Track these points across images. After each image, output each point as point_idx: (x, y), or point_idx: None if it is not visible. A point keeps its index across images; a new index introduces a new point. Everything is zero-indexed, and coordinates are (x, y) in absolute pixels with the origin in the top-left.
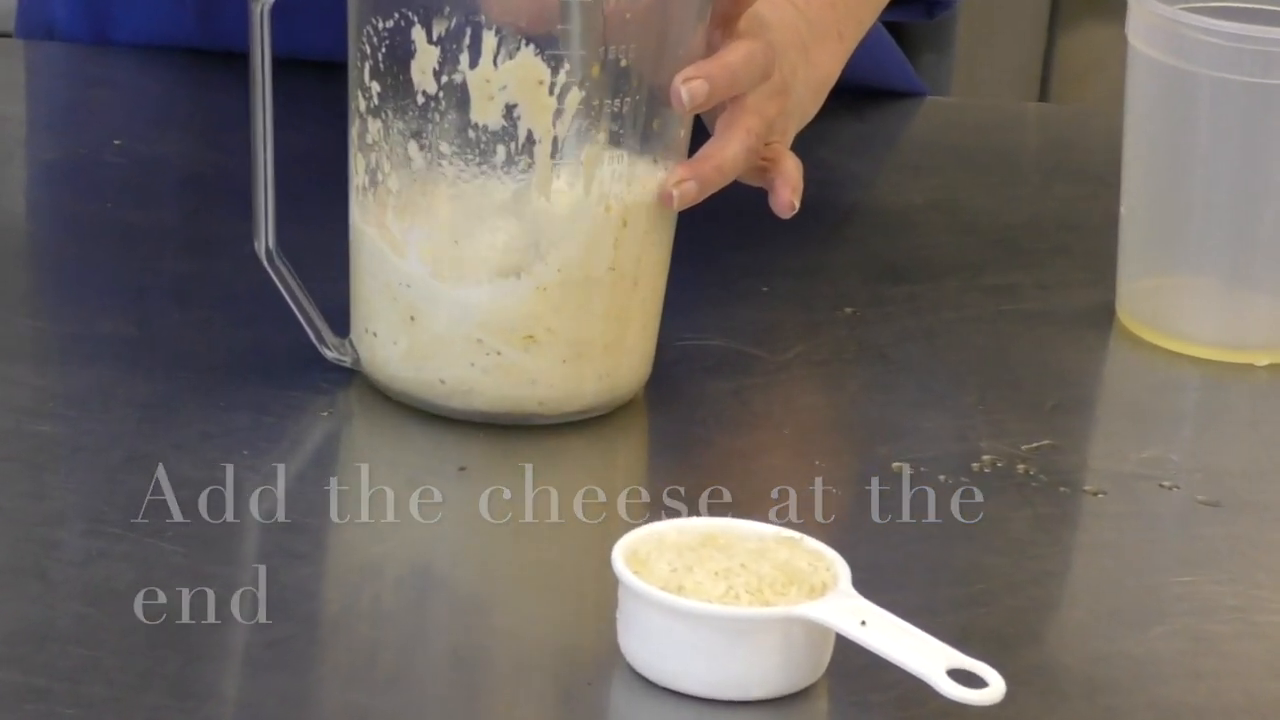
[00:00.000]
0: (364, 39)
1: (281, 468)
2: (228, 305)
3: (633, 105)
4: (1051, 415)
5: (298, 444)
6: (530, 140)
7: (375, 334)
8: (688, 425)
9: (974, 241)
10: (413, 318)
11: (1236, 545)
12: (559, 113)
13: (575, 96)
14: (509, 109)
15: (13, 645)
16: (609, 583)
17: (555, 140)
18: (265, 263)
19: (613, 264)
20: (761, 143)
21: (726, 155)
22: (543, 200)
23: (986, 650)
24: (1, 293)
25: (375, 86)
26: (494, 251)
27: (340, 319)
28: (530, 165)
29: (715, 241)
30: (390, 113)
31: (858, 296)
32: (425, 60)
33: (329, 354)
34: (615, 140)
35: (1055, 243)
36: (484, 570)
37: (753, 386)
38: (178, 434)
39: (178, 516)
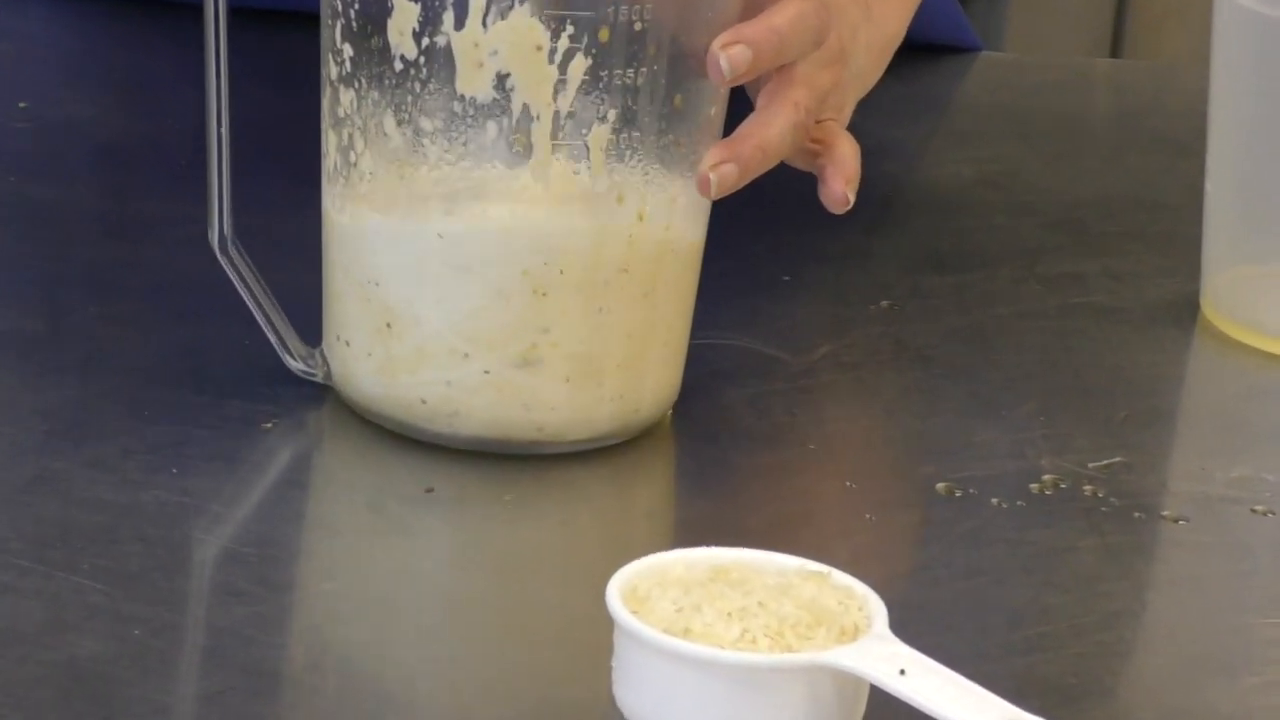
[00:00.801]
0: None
1: (225, 490)
2: (157, 298)
3: (650, 77)
4: (1124, 428)
5: (240, 463)
6: (527, 116)
7: (348, 343)
8: (699, 442)
9: (1032, 223)
10: (389, 325)
11: None
12: (561, 84)
13: (580, 65)
14: (501, 79)
15: None
16: (603, 625)
17: (556, 117)
18: (219, 254)
19: (626, 265)
20: (812, 119)
21: (771, 133)
22: (541, 188)
23: (1047, 704)
24: None
25: (348, 50)
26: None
27: (313, 325)
28: (527, 146)
29: (729, 222)
30: (364, 81)
31: (896, 287)
32: (404, 19)
33: (294, 365)
34: (629, 119)
35: (1128, 225)
36: (459, 615)
37: (773, 394)
38: (95, 449)
39: (95, 547)
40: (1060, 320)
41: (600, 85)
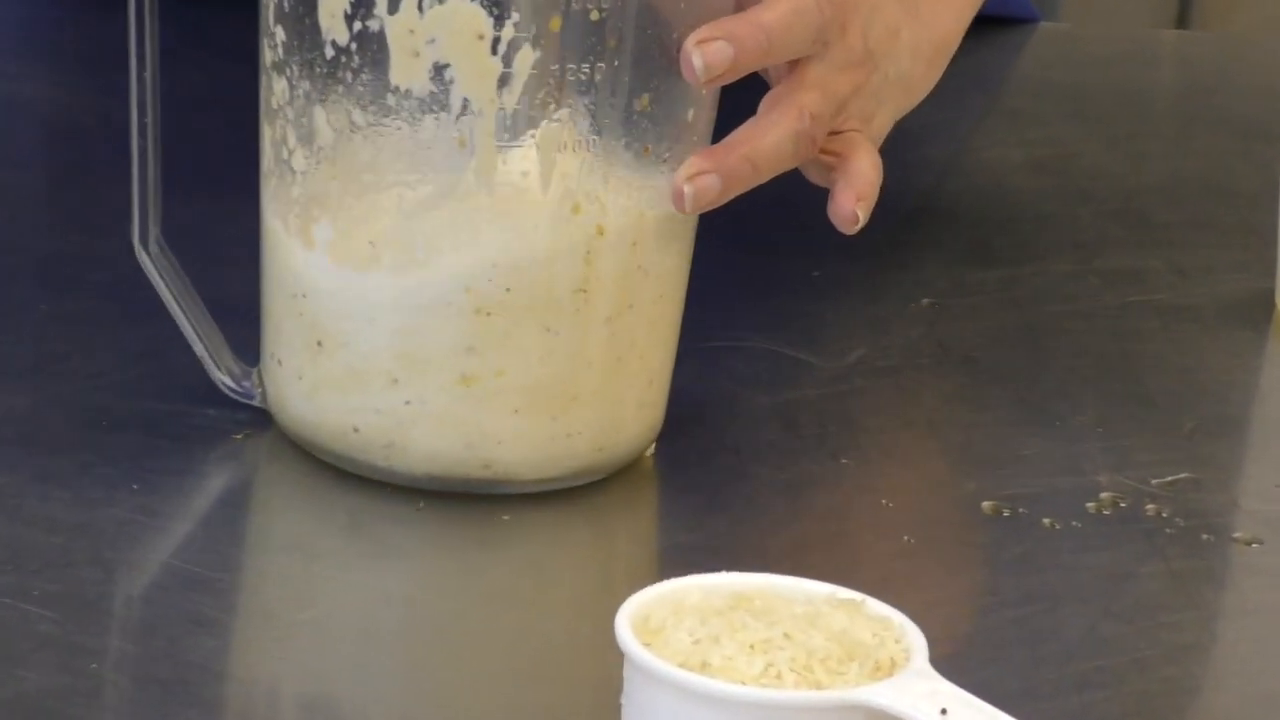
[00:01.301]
0: None
1: (191, 509)
2: (115, 296)
3: (610, 73)
4: (1191, 440)
5: (208, 479)
6: (467, 112)
7: (280, 362)
8: (715, 454)
9: (1089, 212)
10: (319, 343)
11: None
12: (505, 78)
13: (527, 57)
14: (439, 70)
15: None
16: (608, 661)
17: (501, 114)
18: (139, 252)
19: (583, 284)
20: (823, 128)
21: (765, 142)
22: (485, 194)
23: None
24: None
25: (280, 33)
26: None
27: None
28: (469, 146)
29: (752, 212)
30: (296, 69)
31: (938, 283)
32: (335, 1)
33: (224, 383)
34: (586, 119)
35: (1195, 214)
36: (435, 652)
37: (801, 402)
38: (48, 462)
39: (47, 571)
40: (1120, 320)
41: (551, 81)
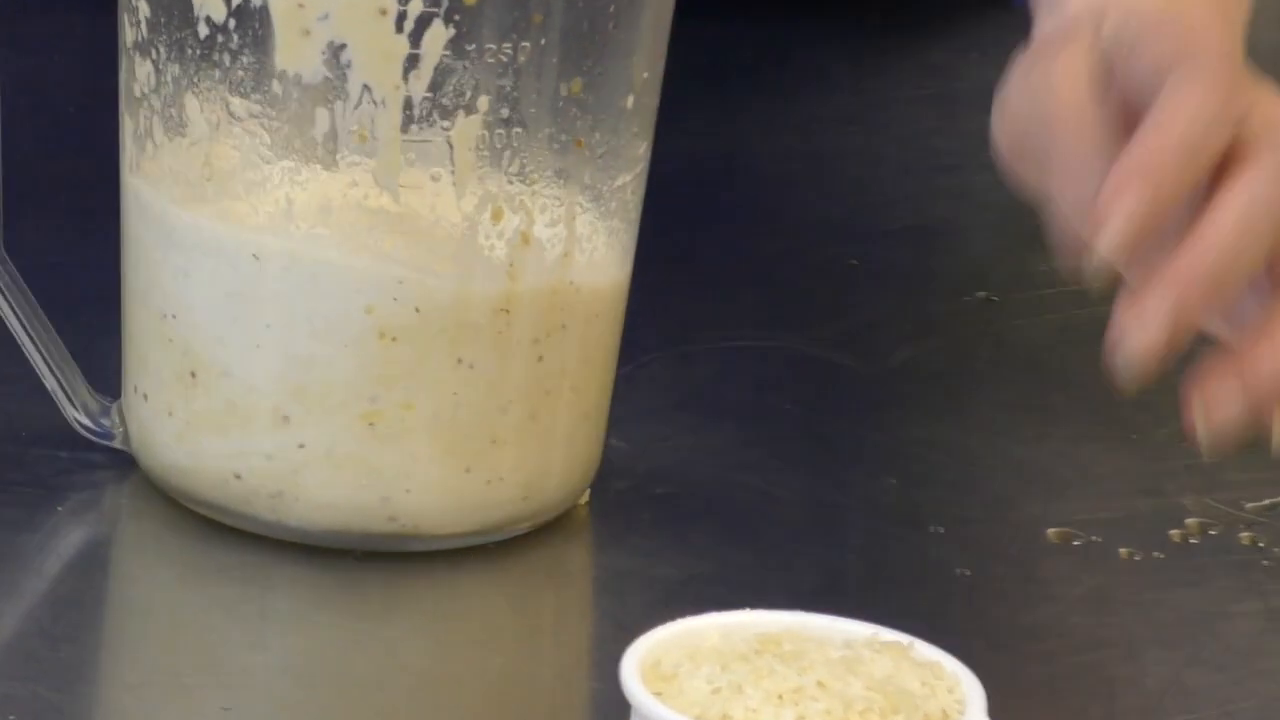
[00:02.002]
0: None
1: (20, 573)
2: (43, 285)
3: (536, 53)
4: None
5: (42, 538)
6: (368, 101)
7: (145, 396)
8: (735, 471)
9: None
10: (193, 373)
11: None
12: (413, 60)
13: (438, 36)
14: (334, 51)
15: None
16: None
17: (408, 103)
18: None
19: (505, 304)
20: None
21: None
22: (389, 198)
23: None
24: None
25: (144, 8)
26: None
27: (116, 375)
28: (370, 141)
29: (776, 188)
30: (163, 50)
31: (994, 274)
32: None
33: (79, 421)
34: (508, 109)
35: None
36: None
37: (836, 410)
38: None
39: None
40: None
41: (467, 63)
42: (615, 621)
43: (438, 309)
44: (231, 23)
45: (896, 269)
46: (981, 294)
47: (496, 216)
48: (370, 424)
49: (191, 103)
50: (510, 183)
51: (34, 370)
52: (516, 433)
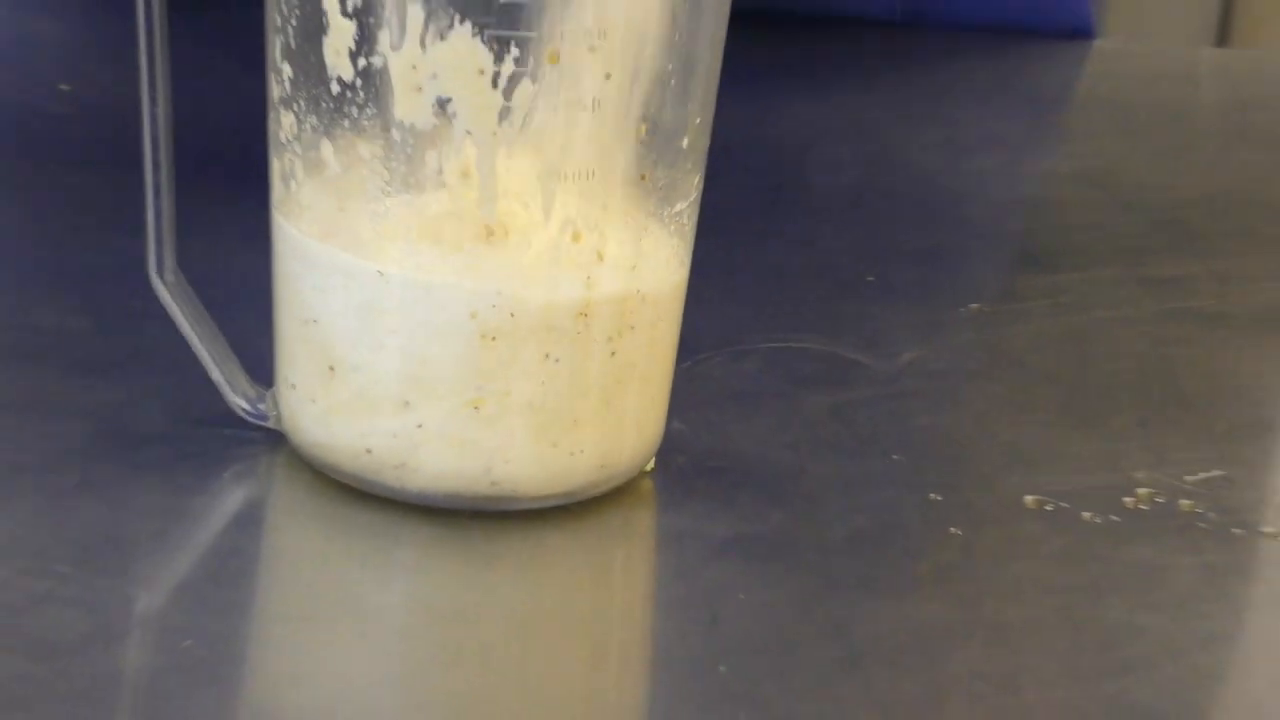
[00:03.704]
0: (274, 8)
1: (196, 525)
2: (208, 292)
3: (607, 106)
4: (1225, 440)
5: (211, 498)
6: (469, 145)
7: (294, 386)
8: (775, 449)
9: (1133, 222)
10: (331, 368)
11: None
12: (505, 111)
13: (526, 91)
14: (441, 104)
15: None
16: (616, 667)
17: (503, 147)
18: (157, 285)
19: (584, 310)
20: None
21: None
22: (487, 224)
23: None
24: None
25: (287, 69)
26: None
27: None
28: (471, 178)
29: (807, 218)
30: (303, 104)
31: (988, 289)
32: (339, 38)
33: (239, 406)
34: (590, 150)
35: (1236, 225)
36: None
37: (855, 401)
38: (142, 454)
39: (139, 554)
40: (1161, 325)
41: (550, 113)
42: (673, 569)
43: (529, 314)
44: (358, 82)
45: (904, 285)
46: (975, 306)
47: (576, 238)
48: (475, 408)
49: (326, 147)
50: (587, 210)
51: (202, 366)
52: (594, 415)
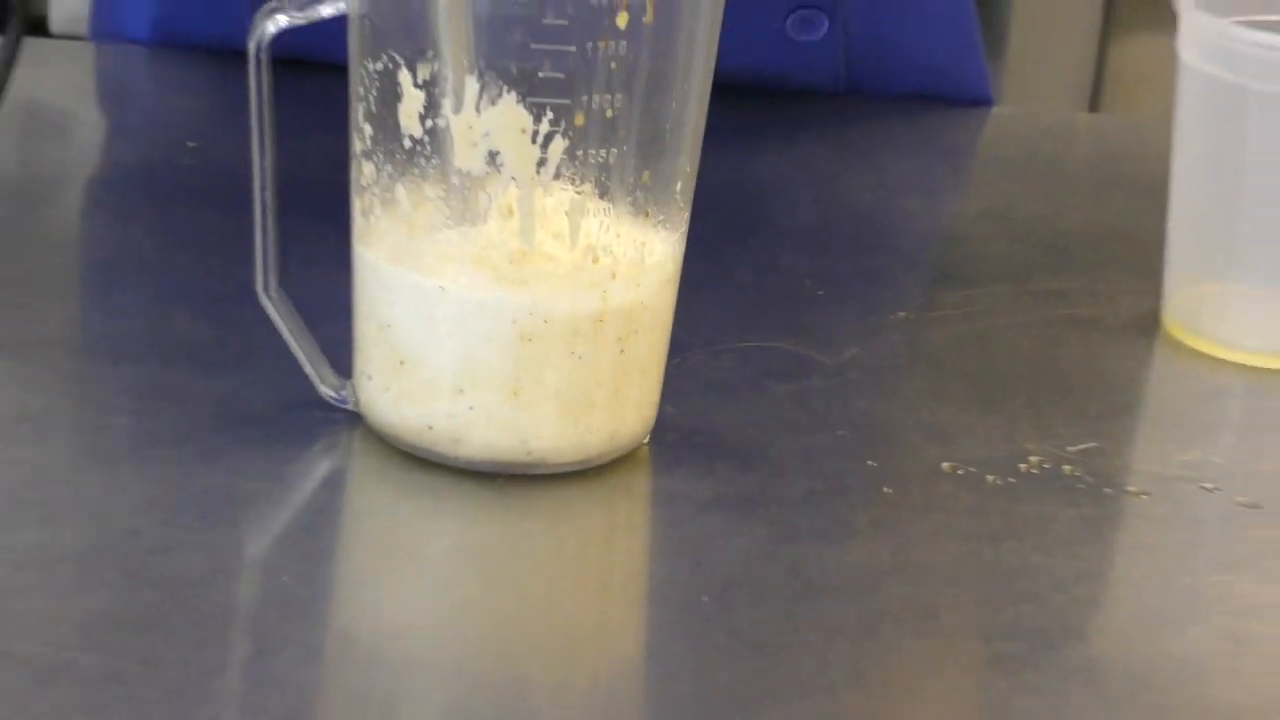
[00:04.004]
0: (359, 81)
1: (292, 486)
2: (302, 305)
3: (620, 156)
4: (1097, 419)
5: (305, 465)
6: (514, 187)
7: (370, 377)
8: (747, 428)
9: (1026, 248)
10: (401, 363)
11: (1277, 547)
12: (542, 162)
13: (559, 146)
14: (491, 156)
15: (93, 632)
16: (629, 598)
17: (540, 189)
18: (262, 297)
19: (600, 316)
20: None
21: None
22: (525, 250)
23: (1033, 646)
24: (79, 293)
25: (368, 129)
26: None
27: (349, 362)
28: (514, 213)
29: (771, 245)
30: (381, 155)
31: (912, 302)
32: (411, 104)
33: (326, 393)
34: (602, 192)
35: (1107, 252)
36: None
37: (810, 389)
38: (252, 429)
39: (248, 509)
40: (1047, 329)
41: (576, 162)
42: (666, 521)
43: (558, 321)
44: (426, 138)
45: (850, 298)
46: (902, 314)
47: (595, 260)
48: (515, 395)
49: (400, 189)
50: (604, 238)
51: (297, 362)
52: (606, 400)
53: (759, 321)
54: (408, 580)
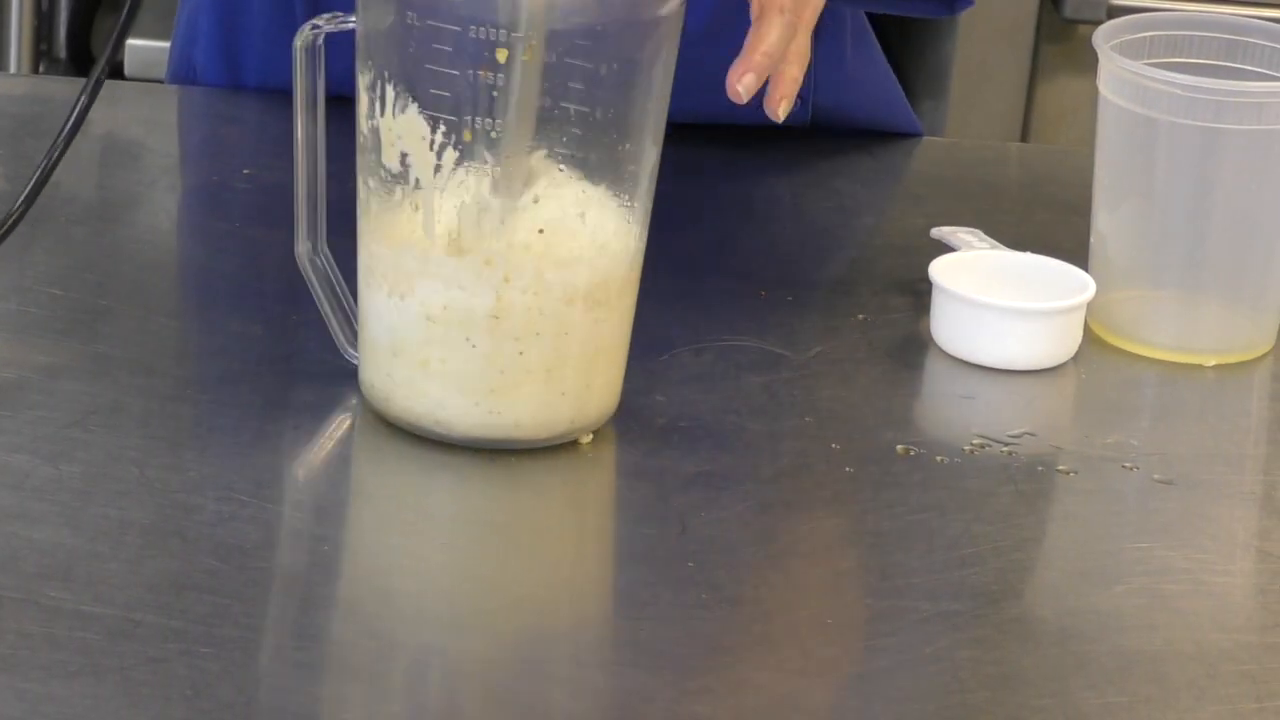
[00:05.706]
0: (360, 89)
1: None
2: (280, 298)
3: (504, 174)
4: (1032, 407)
5: (323, 410)
6: (418, 186)
7: (367, 353)
8: (725, 414)
9: None
10: (391, 343)
11: (1187, 517)
12: (438, 168)
13: (450, 155)
14: (403, 156)
15: (156, 593)
16: (597, 553)
17: (439, 189)
18: (301, 262)
19: (495, 313)
20: (794, 24)
21: (771, 40)
22: (428, 241)
23: (976, 604)
24: (149, 296)
25: (362, 127)
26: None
27: None
28: (419, 208)
29: (747, 257)
30: (361, 150)
31: (869, 305)
32: (362, 106)
33: (350, 356)
34: (482, 205)
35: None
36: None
37: (780, 381)
38: (296, 417)
39: (294, 487)
40: None
41: (470, 173)
42: (654, 495)
43: (456, 309)
44: (369, 136)
45: (814, 302)
46: (861, 316)
47: (488, 263)
48: (424, 365)
49: (360, 180)
50: (496, 245)
51: (328, 328)
52: (585, 371)
53: (736, 323)
54: (434, 546)
